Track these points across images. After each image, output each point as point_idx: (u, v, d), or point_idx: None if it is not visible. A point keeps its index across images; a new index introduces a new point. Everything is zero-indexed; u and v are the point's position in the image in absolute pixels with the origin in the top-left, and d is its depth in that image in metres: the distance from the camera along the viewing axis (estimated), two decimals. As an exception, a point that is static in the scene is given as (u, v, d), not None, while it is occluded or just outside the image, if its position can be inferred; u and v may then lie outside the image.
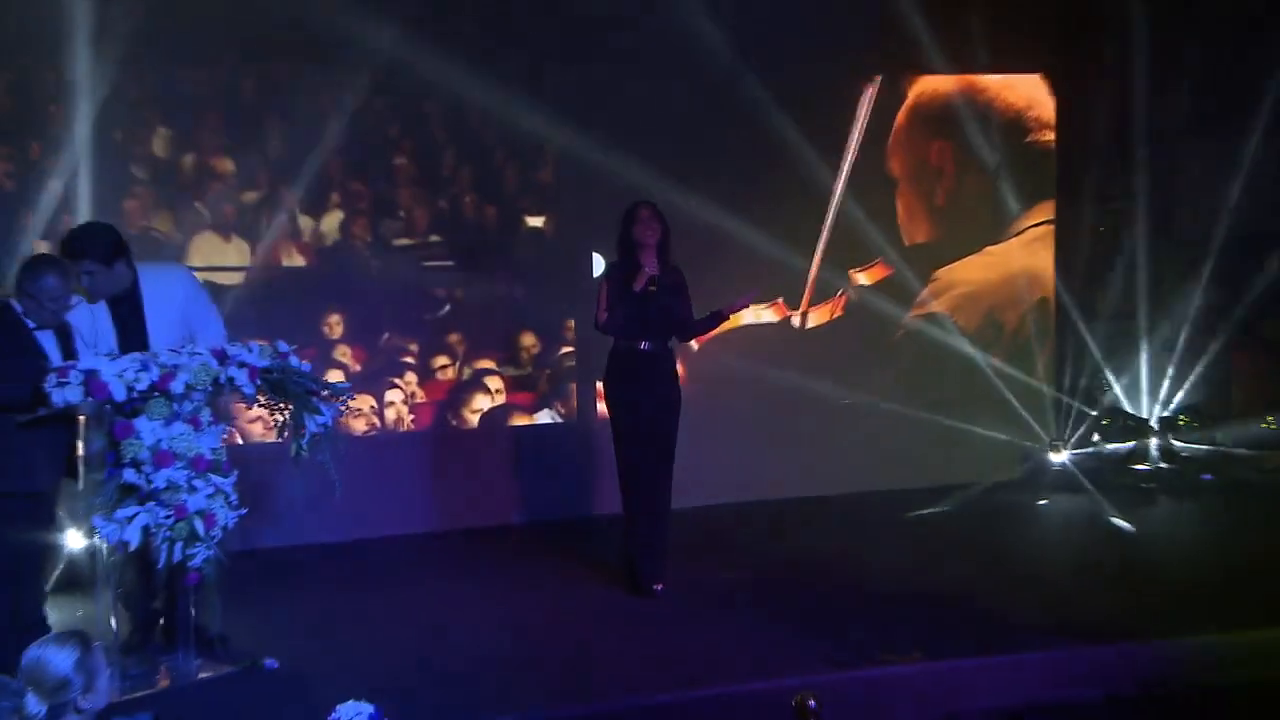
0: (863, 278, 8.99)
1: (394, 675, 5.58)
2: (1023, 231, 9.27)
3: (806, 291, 8.81)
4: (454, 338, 8.21)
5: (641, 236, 6.56)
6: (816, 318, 8.89)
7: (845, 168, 8.77)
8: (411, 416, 8.14)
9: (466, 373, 8.26)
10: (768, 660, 5.75)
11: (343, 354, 7.88)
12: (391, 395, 8.08)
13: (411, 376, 8.13)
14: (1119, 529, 7.94)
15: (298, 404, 5.49)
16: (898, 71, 8.85)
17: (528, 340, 8.36)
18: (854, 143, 8.78)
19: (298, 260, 7.88)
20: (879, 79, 8.77)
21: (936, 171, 9.06)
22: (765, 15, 8.30)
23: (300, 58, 7.66)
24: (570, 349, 8.42)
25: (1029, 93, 9.15)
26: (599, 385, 8.23)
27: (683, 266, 6.73)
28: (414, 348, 8.13)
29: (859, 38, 8.55)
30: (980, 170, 9.03)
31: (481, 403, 8.28)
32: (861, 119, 8.77)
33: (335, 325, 7.90)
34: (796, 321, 8.84)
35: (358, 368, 7.88)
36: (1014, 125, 9.16)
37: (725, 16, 8.20)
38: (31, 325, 5.34)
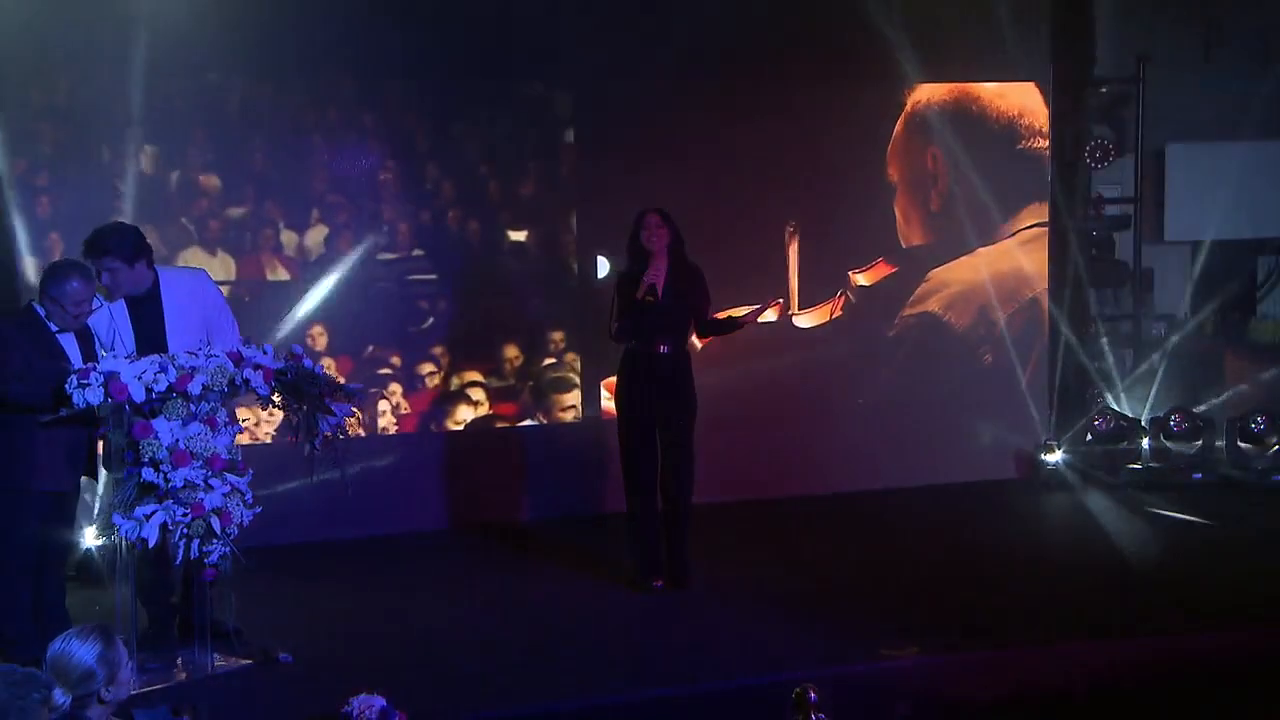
0: (862, 279, 9.10)
1: (403, 668, 5.69)
2: (1016, 234, 9.38)
3: (793, 294, 8.91)
4: (438, 349, 8.26)
5: (648, 243, 6.63)
6: (815, 318, 9.00)
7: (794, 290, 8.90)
8: (396, 427, 8.21)
9: (454, 383, 8.31)
10: (767, 654, 5.85)
11: (327, 366, 7.93)
12: (377, 406, 8.14)
13: (396, 387, 8.18)
14: (1112, 529, 8.05)
15: (310, 405, 5.64)
16: (895, 80, 8.96)
17: (511, 352, 8.42)
18: (793, 279, 8.90)
19: (282, 274, 7.95)
20: (795, 227, 8.84)
21: (932, 177, 9.17)
22: (768, 22, 8.40)
23: (285, 74, 7.72)
24: (552, 360, 8.49)
25: (1021, 100, 9.25)
26: (602, 385, 8.42)
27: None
28: (397, 360, 8.18)
29: (858, 47, 8.65)
30: (973, 176, 9.13)
31: (465, 414, 8.35)
32: (792, 259, 8.87)
33: (319, 337, 7.94)
34: (796, 322, 8.95)
35: (342, 380, 7.91)
36: (1007, 132, 9.26)
37: (725, 24, 8.31)
38: (54, 328, 5.49)
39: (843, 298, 9.04)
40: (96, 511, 6.61)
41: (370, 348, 8.14)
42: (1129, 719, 5.72)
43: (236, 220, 7.84)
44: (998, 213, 9.24)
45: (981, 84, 9.17)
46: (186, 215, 7.73)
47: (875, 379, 9.01)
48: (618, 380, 6.85)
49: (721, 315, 6.93)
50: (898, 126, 9.05)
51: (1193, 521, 8.22)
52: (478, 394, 8.38)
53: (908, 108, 9.06)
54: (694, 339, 7.05)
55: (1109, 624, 6.26)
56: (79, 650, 3.77)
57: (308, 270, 7.99)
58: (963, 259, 9.24)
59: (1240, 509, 8.48)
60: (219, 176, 7.77)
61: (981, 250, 9.26)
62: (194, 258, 7.65)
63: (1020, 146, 9.29)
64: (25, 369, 5.34)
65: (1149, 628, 6.24)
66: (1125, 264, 9.54)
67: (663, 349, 6.66)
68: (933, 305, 9.21)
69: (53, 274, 5.49)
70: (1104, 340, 9.43)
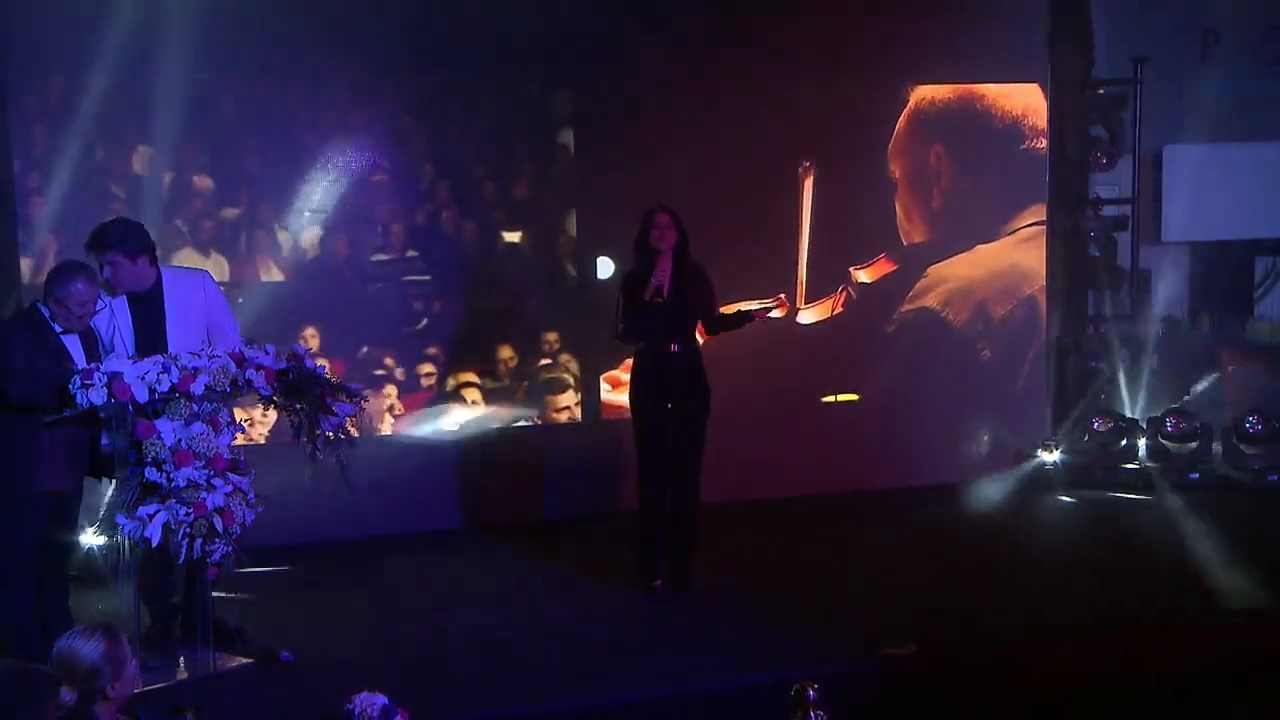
0: (863, 275, 9.11)
1: (403, 668, 5.70)
2: (1014, 232, 9.40)
3: (800, 291, 8.94)
4: (432, 350, 8.26)
5: (657, 243, 6.62)
6: (816, 314, 9.02)
7: (804, 246, 8.91)
8: (392, 428, 8.20)
9: (448, 384, 8.30)
10: (767, 654, 5.86)
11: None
12: (374, 407, 8.12)
13: (391, 389, 8.18)
14: (1109, 529, 8.07)
15: (312, 405, 5.66)
16: (896, 79, 8.98)
17: (506, 353, 8.43)
18: (805, 227, 8.90)
19: (276, 275, 7.95)
20: (809, 165, 8.83)
21: (935, 174, 9.19)
22: (768, 21, 8.42)
23: (280, 74, 7.72)
24: (548, 360, 8.50)
25: (1024, 101, 9.27)
26: (602, 379, 8.44)
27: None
28: (391, 361, 8.17)
29: (859, 46, 8.67)
30: (974, 174, 9.16)
31: (459, 414, 8.36)
32: (807, 203, 8.87)
33: (312, 339, 7.91)
34: (800, 318, 8.97)
35: (336, 381, 7.92)
36: (1010, 132, 9.28)
37: (724, 24, 8.32)
38: (58, 330, 5.50)
39: (844, 293, 9.05)
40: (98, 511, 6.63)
41: (364, 349, 8.13)
42: (1130, 718, 5.74)
43: (230, 221, 7.84)
44: (998, 212, 9.26)
45: (984, 85, 9.19)
46: (180, 216, 7.73)
47: (874, 377, 9.02)
48: (631, 381, 6.84)
49: (731, 309, 6.95)
50: (900, 123, 9.08)
51: (1189, 521, 8.25)
52: (473, 395, 8.38)
53: (910, 105, 9.08)
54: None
55: (1109, 623, 6.28)
56: (84, 648, 3.80)
57: (301, 271, 7.99)
58: (960, 255, 9.26)
59: (1237, 509, 8.50)
60: (212, 177, 7.77)
61: (980, 247, 9.29)
62: (188, 259, 7.65)
63: (1024, 147, 9.32)
64: (29, 370, 5.35)
65: (1149, 627, 6.26)
66: (1123, 265, 9.55)
67: (674, 348, 6.66)
68: (931, 301, 9.23)
69: (57, 276, 5.51)
70: (1102, 341, 9.45)
